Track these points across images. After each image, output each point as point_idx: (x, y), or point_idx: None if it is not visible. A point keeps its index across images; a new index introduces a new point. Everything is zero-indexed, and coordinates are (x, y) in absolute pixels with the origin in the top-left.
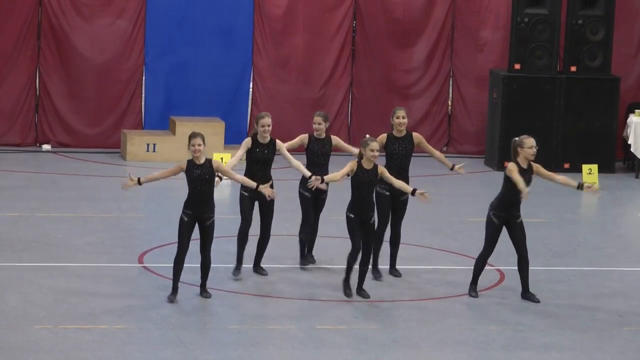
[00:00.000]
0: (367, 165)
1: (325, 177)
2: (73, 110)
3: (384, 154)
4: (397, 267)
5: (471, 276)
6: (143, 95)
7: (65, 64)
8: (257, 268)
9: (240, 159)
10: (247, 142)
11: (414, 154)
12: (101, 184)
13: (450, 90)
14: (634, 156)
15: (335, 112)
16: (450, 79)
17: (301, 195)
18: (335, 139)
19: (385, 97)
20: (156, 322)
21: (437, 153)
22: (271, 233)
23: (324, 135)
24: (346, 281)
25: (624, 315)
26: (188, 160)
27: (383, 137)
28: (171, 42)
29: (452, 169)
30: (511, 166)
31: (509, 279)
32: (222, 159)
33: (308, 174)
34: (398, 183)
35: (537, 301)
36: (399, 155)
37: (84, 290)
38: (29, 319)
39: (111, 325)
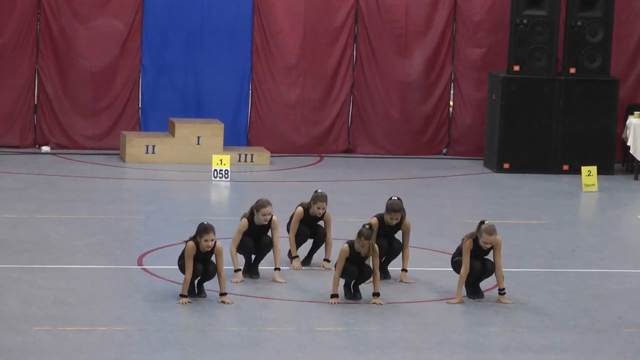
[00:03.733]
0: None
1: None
2: (72, 112)
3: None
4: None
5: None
6: (140, 96)
7: (63, 65)
8: (253, 271)
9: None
10: (244, 224)
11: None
12: (100, 186)
13: (452, 93)
14: (633, 158)
15: (336, 114)
16: (452, 82)
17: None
18: (328, 217)
19: (386, 100)
20: (155, 324)
21: (406, 251)
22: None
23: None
24: (346, 285)
25: (623, 317)
26: (196, 244)
27: (375, 222)
28: (169, 44)
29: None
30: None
31: (508, 281)
32: (221, 160)
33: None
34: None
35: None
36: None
37: (83, 292)
38: (28, 320)
39: (110, 327)
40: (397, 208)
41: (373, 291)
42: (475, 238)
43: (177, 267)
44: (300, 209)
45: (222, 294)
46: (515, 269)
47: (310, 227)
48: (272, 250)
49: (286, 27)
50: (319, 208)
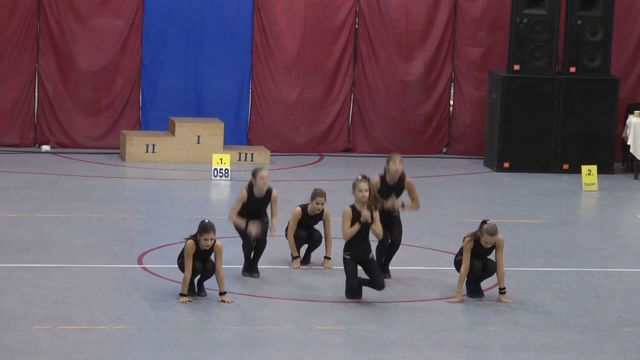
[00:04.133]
0: (360, 207)
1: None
2: (72, 111)
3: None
4: (389, 268)
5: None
6: (141, 95)
7: (64, 64)
8: (252, 270)
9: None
10: (243, 196)
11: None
12: (100, 185)
13: (452, 92)
14: (633, 157)
15: (336, 113)
16: (452, 82)
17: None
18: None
19: (386, 99)
20: (155, 323)
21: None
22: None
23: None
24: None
25: (622, 316)
26: (195, 242)
27: (377, 181)
28: (169, 43)
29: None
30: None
31: (508, 280)
32: (221, 159)
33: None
34: (378, 229)
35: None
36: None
37: (83, 291)
38: (29, 319)
39: (110, 326)
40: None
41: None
42: (476, 237)
43: (177, 266)
44: (298, 209)
45: (222, 293)
46: (515, 268)
47: (307, 230)
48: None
49: (286, 27)
50: (317, 203)
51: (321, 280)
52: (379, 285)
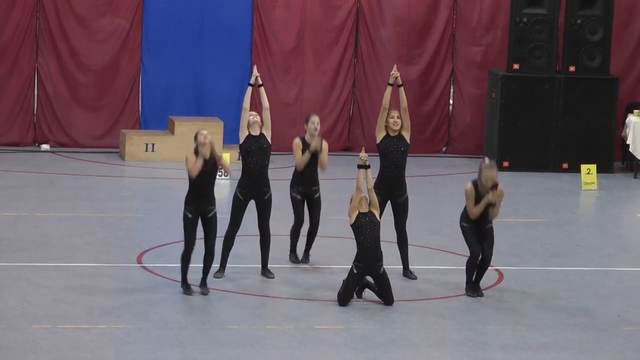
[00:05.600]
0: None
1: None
2: (71, 110)
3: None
4: (410, 268)
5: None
6: (140, 95)
7: (63, 64)
8: (265, 270)
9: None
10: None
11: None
12: (100, 184)
13: (452, 91)
14: (632, 156)
15: (338, 114)
16: (452, 80)
17: (292, 197)
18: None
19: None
20: (155, 322)
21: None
22: (270, 232)
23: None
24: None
25: (622, 315)
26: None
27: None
28: (169, 42)
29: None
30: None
31: (507, 279)
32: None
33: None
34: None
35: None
36: (394, 152)
37: (82, 290)
38: (28, 318)
39: (110, 325)
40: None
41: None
42: (475, 183)
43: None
44: (297, 139)
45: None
46: (515, 267)
47: (309, 168)
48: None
49: (286, 26)
50: (313, 123)
51: (321, 280)
52: (389, 302)
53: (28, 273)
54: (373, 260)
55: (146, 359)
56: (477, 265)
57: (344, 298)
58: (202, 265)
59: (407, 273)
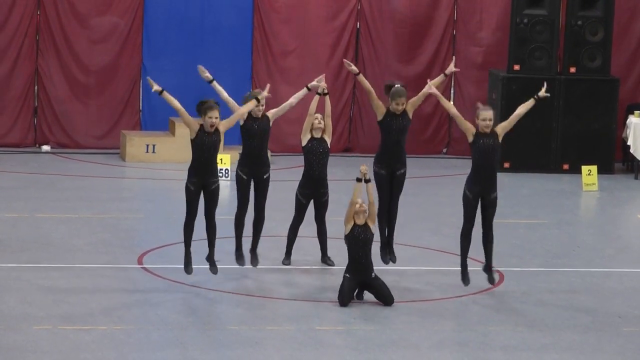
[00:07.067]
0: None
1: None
2: (72, 111)
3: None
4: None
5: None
6: (141, 95)
7: (64, 64)
8: (253, 254)
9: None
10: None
11: (410, 155)
12: (100, 185)
13: (452, 92)
14: (633, 157)
15: (338, 114)
16: (452, 81)
17: (298, 199)
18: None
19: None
20: (155, 323)
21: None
22: (269, 231)
23: (320, 135)
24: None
25: (623, 316)
26: (200, 124)
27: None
28: (169, 42)
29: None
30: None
31: (508, 280)
32: (221, 160)
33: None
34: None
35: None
36: (396, 131)
37: (83, 291)
38: (28, 319)
39: (110, 326)
40: (403, 93)
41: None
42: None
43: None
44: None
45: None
46: (516, 268)
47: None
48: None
49: (286, 26)
50: (316, 119)
51: (321, 280)
52: (388, 302)
53: (28, 274)
54: (363, 272)
55: (147, 359)
56: (469, 242)
57: (343, 300)
58: (207, 236)
59: (391, 250)
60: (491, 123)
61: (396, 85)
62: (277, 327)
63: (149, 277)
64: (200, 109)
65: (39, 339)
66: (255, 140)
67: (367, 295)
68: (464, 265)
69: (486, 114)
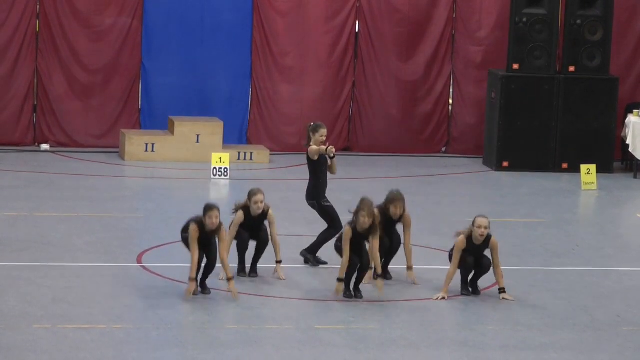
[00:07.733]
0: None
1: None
2: (72, 110)
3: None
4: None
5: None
6: (140, 95)
7: (63, 63)
8: (252, 270)
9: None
10: (240, 216)
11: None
12: (100, 184)
13: (451, 91)
14: (632, 156)
15: (338, 113)
16: (452, 80)
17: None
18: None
19: (386, 98)
20: (154, 322)
21: (408, 247)
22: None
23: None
24: (346, 285)
25: (622, 315)
26: (198, 225)
27: (377, 212)
28: (169, 42)
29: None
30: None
31: (507, 279)
32: (220, 158)
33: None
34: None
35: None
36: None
37: (82, 290)
38: (28, 318)
39: (110, 325)
40: (401, 197)
41: (374, 273)
42: (469, 236)
43: (181, 240)
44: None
45: (229, 279)
46: (515, 267)
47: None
48: (271, 244)
49: (286, 26)
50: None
51: (321, 280)
52: (363, 265)
53: (28, 273)
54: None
55: (146, 359)
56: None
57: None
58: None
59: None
60: (487, 231)
61: (393, 192)
62: (276, 326)
63: (148, 276)
64: (203, 210)
65: (39, 338)
66: (251, 225)
67: (367, 295)
68: (464, 282)
69: (483, 221)
